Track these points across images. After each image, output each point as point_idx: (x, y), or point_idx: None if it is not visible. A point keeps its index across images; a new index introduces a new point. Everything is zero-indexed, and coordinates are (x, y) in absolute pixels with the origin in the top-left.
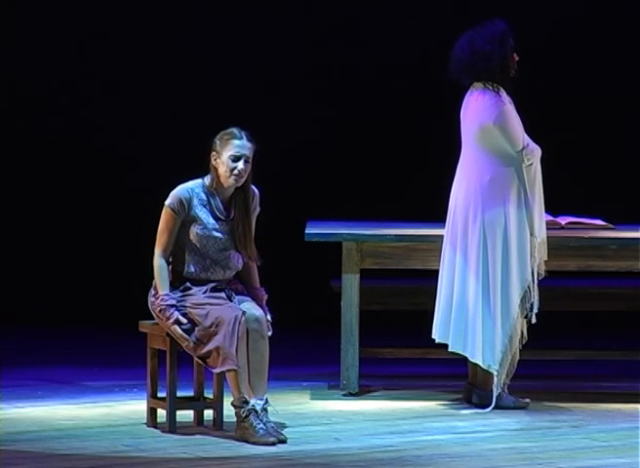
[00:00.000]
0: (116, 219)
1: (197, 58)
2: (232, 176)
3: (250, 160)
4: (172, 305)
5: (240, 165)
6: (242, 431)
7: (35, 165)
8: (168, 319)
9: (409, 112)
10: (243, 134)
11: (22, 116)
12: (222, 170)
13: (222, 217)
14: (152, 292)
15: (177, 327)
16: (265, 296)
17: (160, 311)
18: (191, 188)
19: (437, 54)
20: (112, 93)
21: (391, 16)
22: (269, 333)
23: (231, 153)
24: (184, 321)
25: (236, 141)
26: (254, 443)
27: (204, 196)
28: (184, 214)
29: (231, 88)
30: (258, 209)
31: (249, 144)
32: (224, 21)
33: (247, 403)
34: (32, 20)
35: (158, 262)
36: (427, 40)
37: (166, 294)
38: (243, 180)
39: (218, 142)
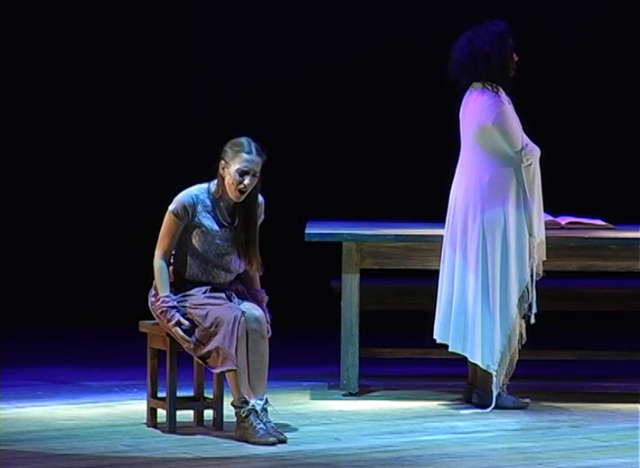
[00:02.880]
0: (116, 220)
1: (197, 58)
2: (237, 191)
3: (257, 174)
4: (172, 307)
5: (246, 180)
6: (242, 431)
7: (37, 166)
8: (169, 321)
9: (408, 112)
10: (253, 147)
11: (24, 120)
12: (229, 181)
13: (226, 224)
14: (152, 292)
15: (178, 328)
16: (266, 298)
17: (161, 313)
18: (196, 195)
19: (437, 53)
20: (119, 95)
21: (389, 15)
22: (268, 335)
23: (239, 167)
24: (185, 322)
25: (245, 156)
26: (254, 443)
27: (208, 202)
28: (188, 220)
29: (231, 87)
30: (262, 216)
31: (258, 159)
32: (225, 25)
33: (247, 403)
34: (42, 26)
35: (158, 264)
36: (427, 38)
37: (166, 296)
38: (245, 195)
39: (228, 151)
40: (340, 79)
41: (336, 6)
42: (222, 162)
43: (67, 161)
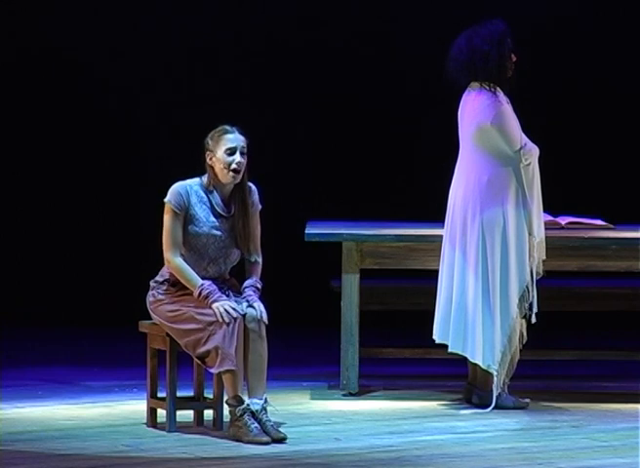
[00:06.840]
0: (116, 220)
1: (194, 56)
2: (230, 172)
3: (245, 152)
4: (214, 290)
5: (237, 157)
6: (235, 429)
7: (37, 167)
8: (215, 301)
9: (408, 112)
10: (234, 128)
11: (20, 113)
12: (219, 167)
13: (223, 214)
14: (151, 292)
15: (225, 304)
16: (259, 286)
17: (205, 297)
18: (190, 185)
19: (437, 53)
20: (117, 89)
21: (390, 15)
22: (265, 317)
23: (226, 147)
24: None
25: (229, 136)
26: (247, 442)
27: (202, 193)
28: (185, 209)
29: (230, 86)
30: (259, 205)
31: (241, 137)
32: (225, 23)
33: (242, 402)
34: None
35: (175, 263)
36: (427, 38)
37: (202, 283)
38: (241, 175)
39: (210, 141)
40: (340, 80)
41: (342, 4)
42: (208, 152)
43: (67, 162)
